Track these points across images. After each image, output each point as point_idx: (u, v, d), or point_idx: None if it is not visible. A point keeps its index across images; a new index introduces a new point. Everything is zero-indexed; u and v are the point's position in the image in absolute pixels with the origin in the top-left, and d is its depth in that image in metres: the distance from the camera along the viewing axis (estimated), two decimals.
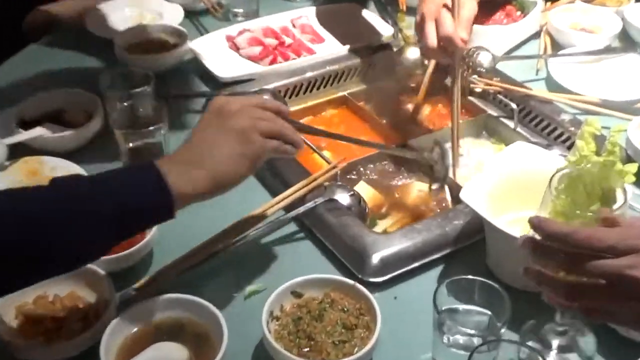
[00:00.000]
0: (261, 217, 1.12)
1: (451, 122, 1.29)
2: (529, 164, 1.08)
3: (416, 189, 1.27)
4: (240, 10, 1.73)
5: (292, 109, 1.45)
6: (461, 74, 1.45)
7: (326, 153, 1.31)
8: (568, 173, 0.88)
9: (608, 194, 0.88)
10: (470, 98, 1.46)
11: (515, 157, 1.10)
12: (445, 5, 1.24)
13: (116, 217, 0.85)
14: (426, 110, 1.45)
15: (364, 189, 1.24)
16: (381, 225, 1.20)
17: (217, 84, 1.49)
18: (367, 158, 1.31)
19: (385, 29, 1.59)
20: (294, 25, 1.66)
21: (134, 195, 0.87)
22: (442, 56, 1.26)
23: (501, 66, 1.50)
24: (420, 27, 1.26)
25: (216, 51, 1.57)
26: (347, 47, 1.56)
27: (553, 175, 0.88)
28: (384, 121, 1.42)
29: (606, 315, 0.79)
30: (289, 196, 1.16)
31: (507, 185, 1.07)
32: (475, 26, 1.54)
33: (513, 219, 1.07)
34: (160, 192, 0.87)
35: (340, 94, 1.50)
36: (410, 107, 1.46)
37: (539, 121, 1.37)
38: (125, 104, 1.26)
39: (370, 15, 1.65)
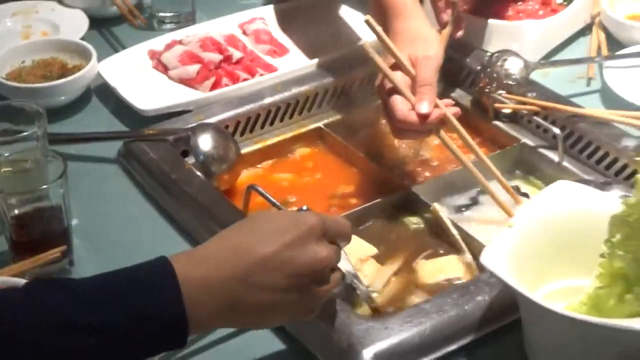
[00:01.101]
0: None
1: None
2: (578, 211, 1.11)
3: (438, 270, 1.28)
4: (169, 15, 1.78)
5: (247, 150, 1.50)
6: (483, 89, 1.51)
7: (291, 199, 1.36)
8: (627, 219, 0.92)
9: None
10: (496, 123, 1.50)
11: (558, 202, 1.12)
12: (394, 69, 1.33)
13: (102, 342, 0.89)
14: (434, 140, 1.48)
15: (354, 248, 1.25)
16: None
17: (137, 120, 1.53)
18: (355, 214, 1.34)
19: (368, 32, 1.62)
20: (244, 33, 1.71)
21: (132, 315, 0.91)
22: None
23: (537, 76, 1.54)
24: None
25: (135, 74, 1.62)
26: (318, 60, 1.61)
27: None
28: (376, 162, 1.46)
29: None
30: None
31: (547, 243, 1.10)
32: (498, 23, 1.61)
33: (559, 288, 1.10)
34: (173, 317, 0.93)
35: (314, 126, 1.54)
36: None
37: (593, 150, 1.41)
38: (6, 153, 1.29)
39: (351, 12, 1.70)
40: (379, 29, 1.31)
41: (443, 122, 1.32)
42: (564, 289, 1.10)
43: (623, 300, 0.98)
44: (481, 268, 1.16)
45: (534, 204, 1.12)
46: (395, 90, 1.32)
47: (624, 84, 1.52)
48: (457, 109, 1.36)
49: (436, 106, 1.31)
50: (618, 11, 1.68)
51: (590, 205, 1.11)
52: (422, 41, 1.36)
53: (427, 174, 1.45)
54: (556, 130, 1.41)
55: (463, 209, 1.39)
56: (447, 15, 1.50)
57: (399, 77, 1.32)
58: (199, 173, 1.40)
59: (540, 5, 1.67)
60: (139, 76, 1.62)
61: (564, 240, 1.10)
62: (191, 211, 1.35)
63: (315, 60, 1.61)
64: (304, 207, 1.07)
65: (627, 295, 0.98)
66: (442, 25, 1.50)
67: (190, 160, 1.43)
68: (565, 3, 1.68)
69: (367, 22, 1.30)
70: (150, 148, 1.45)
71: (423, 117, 1.30)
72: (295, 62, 1.64)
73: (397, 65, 1.33)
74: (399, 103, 1.31)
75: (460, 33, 1.53)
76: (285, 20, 1.73)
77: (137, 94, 1.55)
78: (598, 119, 1.44)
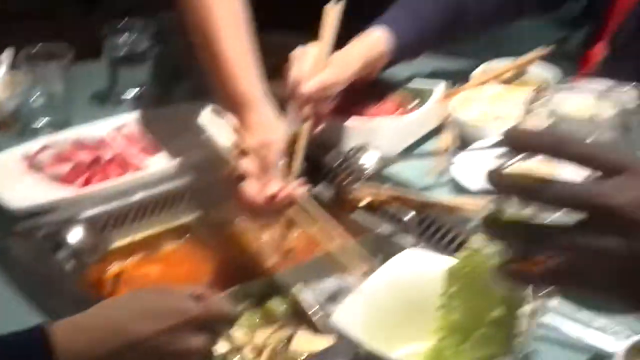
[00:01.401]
0: None
1: None
2: (423, 275, 1.18)
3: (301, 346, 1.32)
4: (45, 120, 1.83)
5: (117, 244, 1.54)
6: (341, 183, 1.59)
7: None
8: (461, 271, 0.98)
9: (513, 296, 0.99)
10: (355, 214, 1.57)
11: (405, 268, 1.19)
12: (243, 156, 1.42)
13: None
14: (294, 233, 1.55)
15: None
16: None
17: (7, 219, 1.54)
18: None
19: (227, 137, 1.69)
20: (117, 135, 1.76)
21: None
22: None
23: (396, 170, 1.63)
24: None
25: (8, 175, 1.65)
26: (184, 159, 1.67)
27: None
28: (241, 253, 1.52)
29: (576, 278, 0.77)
30: None
31: (397, 307, 1.16)
32: (357, 121, 1.70)
33: (411, 352, 1.15)
34: None
35: (181, 221, 1.60)
36: (274, 231, 1.55)
37: (444, 233, 1.49)
38: None
39: (213, 118, 1.77)
40: (226, 117, 1.39)
41: (292, 202, 1.40)
42: (416, 352, 1.15)
43: (460, 350, 1.04)
44: (337, 336, 1.21)
45: (382, 271, 1.18)
46: (242, 176, 1.41)
47: (468, 175, 1.62)
48: (303, 189, 1.44)
49: (285, 188, 1.39)
50: (469, 111, 1.79)
51: (434, 269, 1.16)
52: (268, 128, 1.45)
53: (290, 260, 1.50)
54: (407, 218, 1.50)
55: (332, 293, 1.43)
56: (306, 111, 1.59)
57: (246, 164, 1.41)
58: (69, 267, 1.43)
59: (396, 106, 1.78)
60: (12, 177, 1.64)
61: (414, 304, 1.16)
62: (62, 304, 1.37)
63: (181, 160, 1.67)
64: (198, 291, 1.07)
65: (463, 345, 1.04)
66: (301, 121, 1.58)
67: (61, 254, 1.46)
68: (418, 106, 1.79)
69: (213, 112, 1.39)
70: (21, 244, 1.48)
71: (271, 198, 1.38)
72: (164, 161, 1.69)
73: (245, 152, 1.42)
74: (247, 187, 1.40)
75: (319, 128, 1.61)
76: (155, 124, 1.79)
77: (8, 194, 1.58)
78: (444, 205, 1.52)
